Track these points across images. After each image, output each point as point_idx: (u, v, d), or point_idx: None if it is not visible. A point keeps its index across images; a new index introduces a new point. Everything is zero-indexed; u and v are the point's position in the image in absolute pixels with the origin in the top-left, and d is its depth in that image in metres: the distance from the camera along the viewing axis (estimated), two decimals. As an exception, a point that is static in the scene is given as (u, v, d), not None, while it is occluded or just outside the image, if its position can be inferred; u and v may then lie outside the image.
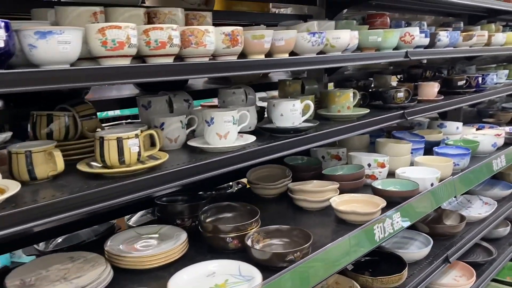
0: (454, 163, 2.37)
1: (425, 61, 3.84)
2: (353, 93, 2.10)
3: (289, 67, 1.58)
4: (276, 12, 2.97)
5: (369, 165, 2.19)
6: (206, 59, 1.38)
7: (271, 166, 2.21)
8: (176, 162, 1.39)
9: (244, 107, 1.73)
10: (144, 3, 2.17)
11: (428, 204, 1.97)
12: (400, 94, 2.33)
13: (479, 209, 2.80)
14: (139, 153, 1.26)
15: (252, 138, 1.58)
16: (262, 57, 1.57)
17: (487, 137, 2.82)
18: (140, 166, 1.25)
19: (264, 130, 1.76)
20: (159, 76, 1.25)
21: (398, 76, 3.22)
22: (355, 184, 2.03)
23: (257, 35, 1.53)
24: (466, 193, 2.75)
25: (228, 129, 1.48)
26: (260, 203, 2.06)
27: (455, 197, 2.22)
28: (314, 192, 1.88)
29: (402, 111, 2.24)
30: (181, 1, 2.08)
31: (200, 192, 1.95)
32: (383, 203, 1.78)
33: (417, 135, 2.67)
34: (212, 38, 1.35)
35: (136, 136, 1.25)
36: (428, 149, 2.59)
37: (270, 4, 2.64)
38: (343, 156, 2.38)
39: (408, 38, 2.24)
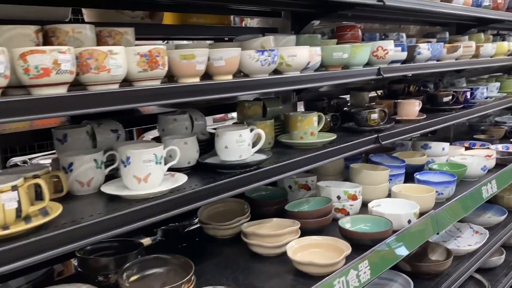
0: (437, 192, 2.10)
1: (410, 75, 3.60)
2: (318, 116, 1.84)
3: (223, 92, 1.31)
4: (243, 25, 2.72)
5: (338, 197, 1.92)
6: (115, 86, 1.12)
7: (227, 201, 1.94)
8: (78, 214, 1.12)
9: (181, 138, 1.47)
10: (81, 17, 1.92)
11: (403, 247, 1.70)
12: (374, 116, 2.07)
13: (469, 239, 2.52)
14: (18, 210, 0.99)
15: (183, 178, 1.30)
16: (195, 80, 1.31)
17: (476, 159, 2.55)
18: (20, 227, 0.98)
19: (207, 165, 1.49)
20: (50, 112, 1.00)
21: (379, 92, 2.96)
22: (321, 222, 1.76)
23: (186, 54, 1.26)
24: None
25: (149, 171, 1.21)
26: (212, 246, 1.79)
27: (437, 233, 1.95)
28: (270, 236, 1.61)
29: (376, 135, 1.98)
30: (120, 15, 1.82)
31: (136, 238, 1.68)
32: (347, 249, 1.51)
33: (397, 158, 2.40)
34: (119, 61, 1.09)
35: (14, 188, 0.98)
36: (411, 174, 2.33)
37: (232, 16, 2.39)
38: (313, 185, 2.11)
39: (381, 52, 1.98)
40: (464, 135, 3.77)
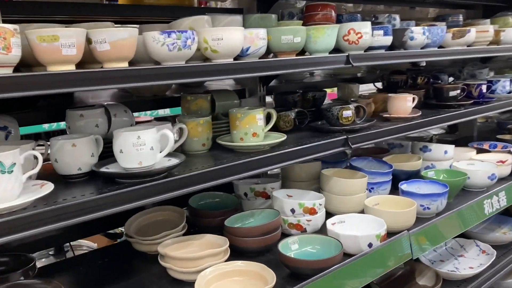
0: (422, 206, 1.73)
1: (423, 64, 3.16)
2: (267, 113, 1.53)
3: (93, 84, 1.03)
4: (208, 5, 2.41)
5: (292, 211, 1.60)
6: None
7: (167, 209, 1.68)
8: None
9: (66, 140, 1.22)
10: None
11: (359, 277, 1.37)
12: (347, 113, 1.73)
13: (473, 260, 2.13)
14: None
15: (41, 192, 1.04)
16: (67, 68, 1.05)
17: (485, 165, 2.14)
18: None
19: (99, 174, 1.23)
20: None
21: (377, 84, 2.58)
22: (263, 241, 1.46)
23: (46, 35, 1.00)
24: (461, 235, 2.09)
25: (-11, 182, 0.97)
26: (137, 263, 1.54)
27: (414, 259, 1.60)
28: (186, 260, 1.33)
29: (345, 137, 1.64)
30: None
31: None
32: (272, 281, 1.20)
33: (384, 163, 2.04)
34: None
35: None
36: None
37: (195, -4, 2.10)
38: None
39: (354, 37, 1.63)
40: (491, 133, 3.30)
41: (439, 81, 2.63)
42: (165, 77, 1.19)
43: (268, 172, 2.23)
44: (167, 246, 1.40)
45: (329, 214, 1.74)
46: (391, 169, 1.96)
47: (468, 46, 2.20)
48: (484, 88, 2.40)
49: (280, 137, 1.52)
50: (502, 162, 2.19)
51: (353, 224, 1.60)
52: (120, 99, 1.79)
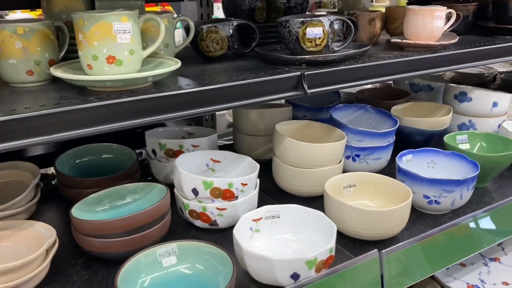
0: (428, 198, 1.04)
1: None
2: (149, 22, 0.85)
3: None
4: None
5: (195, 192, 0.98)
6: None
7: (16, 166, 1.11)
8: None
9: None
10: None
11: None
12: (315, 31, 1.00)
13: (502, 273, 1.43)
14: None
15: None
16: None
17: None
18: None
19: None
20: None
21: None
22: (129, 243, 0.87)
23: None
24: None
25: None
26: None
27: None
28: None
29: (299, 73, 0.95)
30: None
31: None
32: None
33: (388, 116, 1.32)
34: None
35: None
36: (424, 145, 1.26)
37: None
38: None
39: None
40: None
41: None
42: None
43: (217, 116, 1.58)
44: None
45: (280, 196, 1.12)
46: (393, 128, 1.24)
47: None
48: None
49: (165, 66, 0.85)
50: None
51: (289, 226, 0.95)
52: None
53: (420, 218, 1.08)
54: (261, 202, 1.13)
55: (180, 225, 1.04)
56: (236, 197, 0.97)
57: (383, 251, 0.89)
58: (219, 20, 1.11)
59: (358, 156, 1.22)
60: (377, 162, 1.22)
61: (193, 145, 1.16)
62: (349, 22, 1.05)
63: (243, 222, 0.90)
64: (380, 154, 1.22)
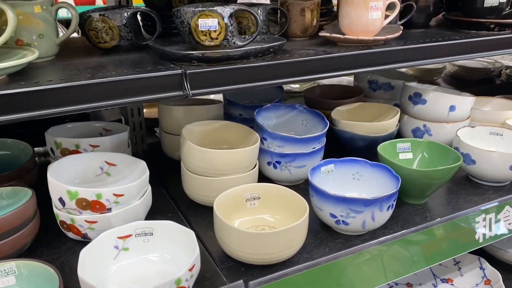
0: (334, 218, 0.90)
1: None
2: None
3: None
4: None
5: (61, 201, 0.88)
6: None
7: None
8: None
9: None
10: None
11: None
12: (208, 23, 0.87)
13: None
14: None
15: None
16: None
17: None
18: None
19: None
20: None
21: None
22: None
23: None
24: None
25: None
26: None
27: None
28: None
29: (181, 71, 0.83)
30: None
31: None
32: None
33: (321, 117, 1.18)
34: None
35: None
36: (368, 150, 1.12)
37: None
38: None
39: None
40: None
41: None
42: None
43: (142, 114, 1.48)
44: None
45: (188, 206, 1.01)
46: (321, 132, 1.10)
47: None
48: None
49: (19, 57, 0.75)
50: (558, 138, 1.20)
51: (162, 244, 0.84)
52: None
53: (331, 237, 0.95)
54: (162, 212, 1.04)
55: (58, 234, 0.95)
56: (109, 209, 0.87)
57: (251, 282, 0.77)
58: (115, 7, 1.00)
59: (279, 163, 1.09)
60: (300, 170, 1.09)
61: (91, 144, 1.06)
62: (253, 13, 0.92)
63: (102, 240, 0.79)
64: (304, 161, 1.08)
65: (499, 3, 1.22)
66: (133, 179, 0.97)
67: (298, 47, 1.05)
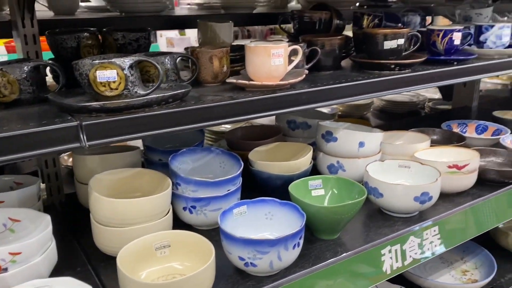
0: (243, 260, 0.91)
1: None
2: None
3: None
4: None
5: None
6: None
7: None
8: None
9: None
10: None
11: None
12: (107, 74, 0.88)
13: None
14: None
15: None
16: None
17: (420, 173, 1.25)
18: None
19: None
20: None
21: (286, 26, 1.66)
22: None
23: None
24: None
25: None
26: None
27: None
28: None
29: (77, 123, 0.83)
30: None
31: None
32: None
33: (237, 159, 1.20)
34: None
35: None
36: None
37: None
38: None
39: None
40: (497, 104, 2.33)
41: (399, 25, 1.67)
42: None
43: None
44: None
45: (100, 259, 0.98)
46: (234, 175, 1.12)
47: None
48: (456, 37, 1.44)
49: None
50: (458, 167, 1.28)
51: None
52: None
53: (242, 280, 0.95)
54: (70, 267, 1.00)
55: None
56: (5, 269, 0.83)
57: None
58: (15, 61, 0.99)
59: (194, 207, 1.09)
60: (216, 213, 1.09)
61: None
62: (154, 63, 0.94)
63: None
64: (219, 204, 1.09)
65: (397, 45, 1.31)
66: (36, 235, 0.94)
67: (207, 93, 1.08)
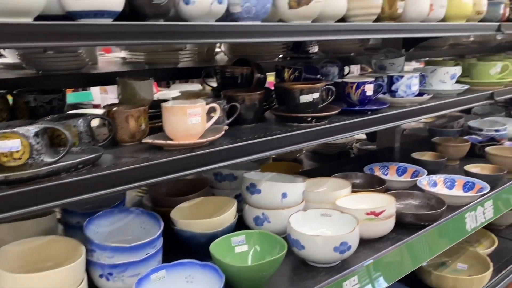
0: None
1: (315, 49, 2.28)
2: None
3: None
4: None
5: None
6: None
7: None
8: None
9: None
10: None
11: None
12: (9, 144, 0.85)
13: None
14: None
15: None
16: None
17: (339, 221, 1.29)
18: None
19: None
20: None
21: (211, 83, 1.70)
22: None
23: None
24: None
25: None
26: None
27: None
28: None
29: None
30: None
31: None
32: None
33: (157, 220, 1.18)
34: None
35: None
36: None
37: None
38: None
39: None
40: (422, 145, 2.47)
41: (318, 76, 1.76)
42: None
43: None
44: None
45: None
46: (151, 238, 1.10)
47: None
48: (369, 89, 1.53)
49: None
50: (376, 214, 1.34)
51: None
52: None
53: None
54: None
55: None
56: None
57: None
58: None
59: (111, 274, 1.05)
60: (135, 279, 1.06)
61: None
62: (62, 130, 0.92)
63: None
64: (137, 269, 1.05)
65: (313, 99, 1.37)
66: None
67: (123, 154, 1.06)
